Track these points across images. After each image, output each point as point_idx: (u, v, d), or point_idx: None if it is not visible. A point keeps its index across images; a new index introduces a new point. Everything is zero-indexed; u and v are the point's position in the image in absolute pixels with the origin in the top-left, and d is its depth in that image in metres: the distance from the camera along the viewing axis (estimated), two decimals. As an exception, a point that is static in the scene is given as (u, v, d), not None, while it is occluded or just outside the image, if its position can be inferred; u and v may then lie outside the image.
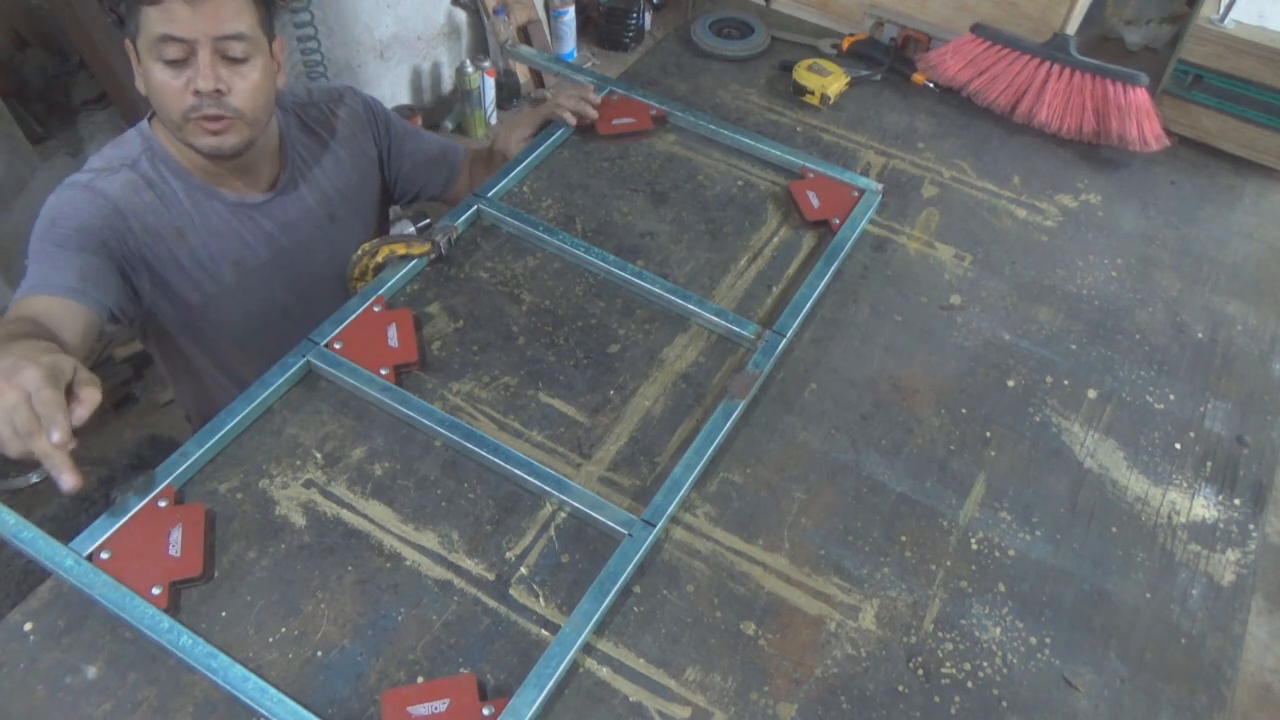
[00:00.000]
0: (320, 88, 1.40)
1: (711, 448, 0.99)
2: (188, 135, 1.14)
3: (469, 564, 0.91)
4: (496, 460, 0.96)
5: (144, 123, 1.22)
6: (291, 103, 1.34)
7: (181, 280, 1.23)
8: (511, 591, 0.89)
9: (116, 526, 0.88)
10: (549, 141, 1.36)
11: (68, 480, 0.80)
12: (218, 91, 1.10)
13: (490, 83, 3.27)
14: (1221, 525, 1.00)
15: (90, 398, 0.84)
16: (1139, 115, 1.40)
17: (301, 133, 1.34)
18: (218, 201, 1.23)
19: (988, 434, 1.06)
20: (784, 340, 1.10)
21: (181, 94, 1.10)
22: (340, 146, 1.37)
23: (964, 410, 1.08)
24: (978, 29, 1.48)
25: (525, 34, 3.42)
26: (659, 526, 0.92)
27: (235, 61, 1.11)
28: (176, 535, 0.88)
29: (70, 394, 0.84)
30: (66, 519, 2.03)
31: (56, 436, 0.79)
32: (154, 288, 1.22)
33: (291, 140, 1.31)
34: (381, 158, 1.45)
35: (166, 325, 1.29)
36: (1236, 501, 1.02)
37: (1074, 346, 1.17)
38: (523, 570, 0.91)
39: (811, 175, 1.33)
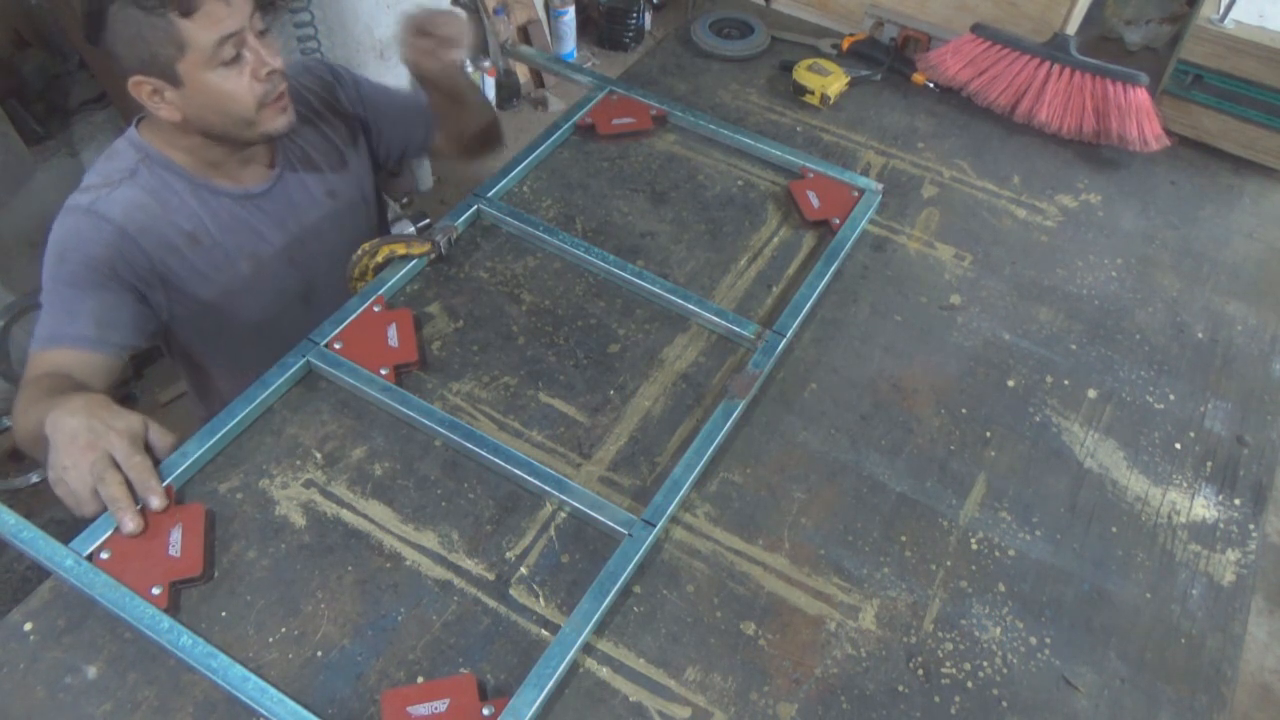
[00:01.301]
0: (290, 64, 1.34)
1: (711, 448, 0.99)
2: (262, 125, 1.14)
3: (469, 564, 0.91)
4: (496, 460, 0.96)
5: (131, 130, 1.20)
6: None
7: (198, 284, 1.22)
8: (511, 591, 0.89)
9: (116, 526, 0.88)
10: (549, 141, 1.36)
11: (130, 524, 0.88)
12: (280, 66, 1.12)
13: (490, 83, 3.26)
14: (1221, 525, 1.00)
15: (166, 443, 0.93)
16: (1139, 115, 1.40)
17: None
18: (223, 197, 1.23)
19: (988, 434, 1.06)
20: (784, 340, 1.10)
21: (250, 88, 1.10)
22: (322, 121, 1.35)
23: (964, 410, 1.08)
24: (978, 29, 1.48)
25: (525, 34, 3.42)
26: (659, 526, 0.92)
27: (264, 33, 1.12)
28: (176, 535, 0.88)
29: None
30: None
31: (156, 503, 0.88)
32: (170, 301, 1.21)
33: None
34: (363, 123, 1.42)
35: (188, 339, 1.29)
36: (1236, 501, 1.02)
37: (1074, 346, 1.17)
38: (523, 570, 0.91)
39: (811, 175, 1.33)
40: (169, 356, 1.39)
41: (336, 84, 1.39)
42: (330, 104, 1.37)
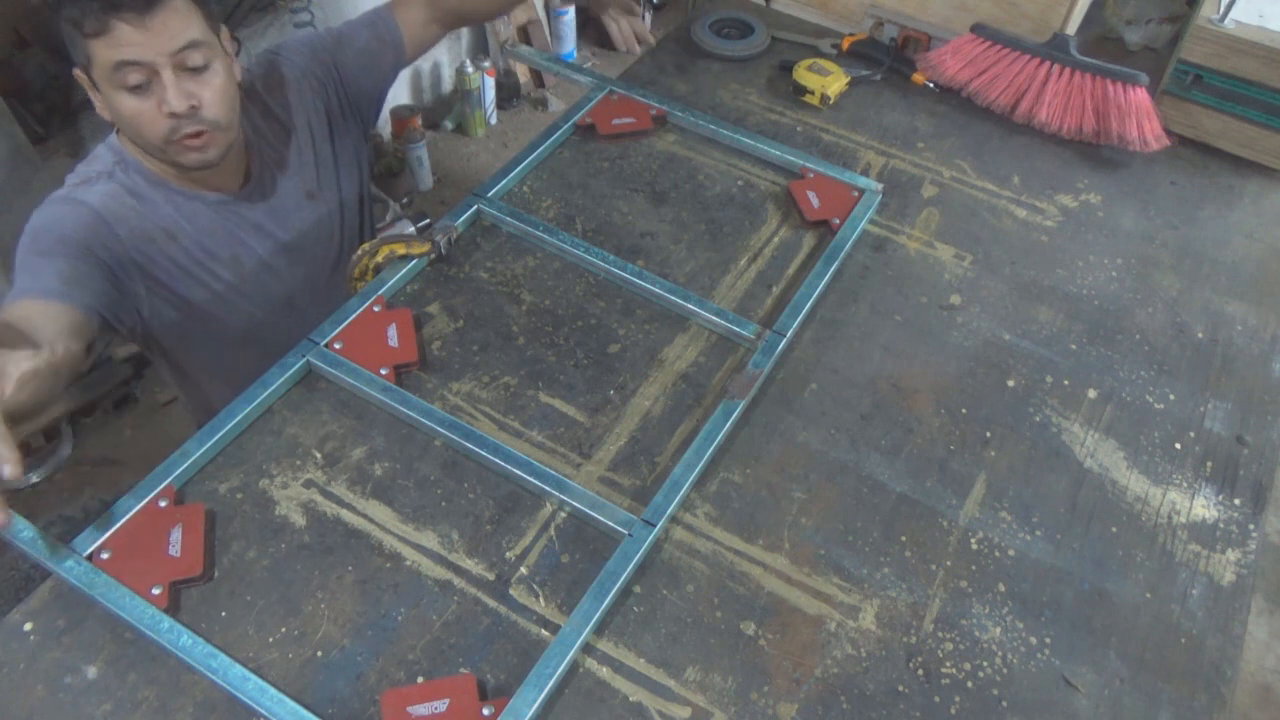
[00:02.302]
0: (255, 63, 1.31)
1: (711, 448, 0.99)
2: (172, 155, 1.11)
3: (469, 564, 0.91)
4: (496, 460, 0.96)
5: (112, 136, 1.19)
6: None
7: (180, 280, 1.21)
8: (511, 591, 0.89)
9: (117, 526, 0.88)
10: (549, 141, 1.36)
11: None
12: (191, 108, 1.07)
13: (490, 83, 3.26)
14: (1221, 525, 1.00)
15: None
16: (1139, 115, 1.40)
17: (260, 118, 1.28)
18: (199, 203, 1.21)
19: (988, 434, 1.06)
20: (784, 340, 1.10)
21: (156, 119, 1.06)
22: (293, 119, 1.31)
23: (964, 410, 1.08)
24: (978, 29, 1.48)
25: (525, 34, 3.42)
26: (659, 526, 0.92)
27: (197, 71, 1.07)
28: (176, 535, 0.88)
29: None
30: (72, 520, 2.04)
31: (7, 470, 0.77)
32: (150, 292, 1.20)
33: (252, 127, 1.27)
34: (337, 89, 1.35)
35: (174, 346, 1.27)
36: (1236, 501, 1.02)
37: (1074, 346, 1.17)
38: (523, 570, 0.91)
39: (811, 175, 1.33)
40: (159, 368, 1.38)
41: (304, 67, 1.31)
42: (301, 95, 1.31)
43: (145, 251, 1.17)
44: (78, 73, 1.08)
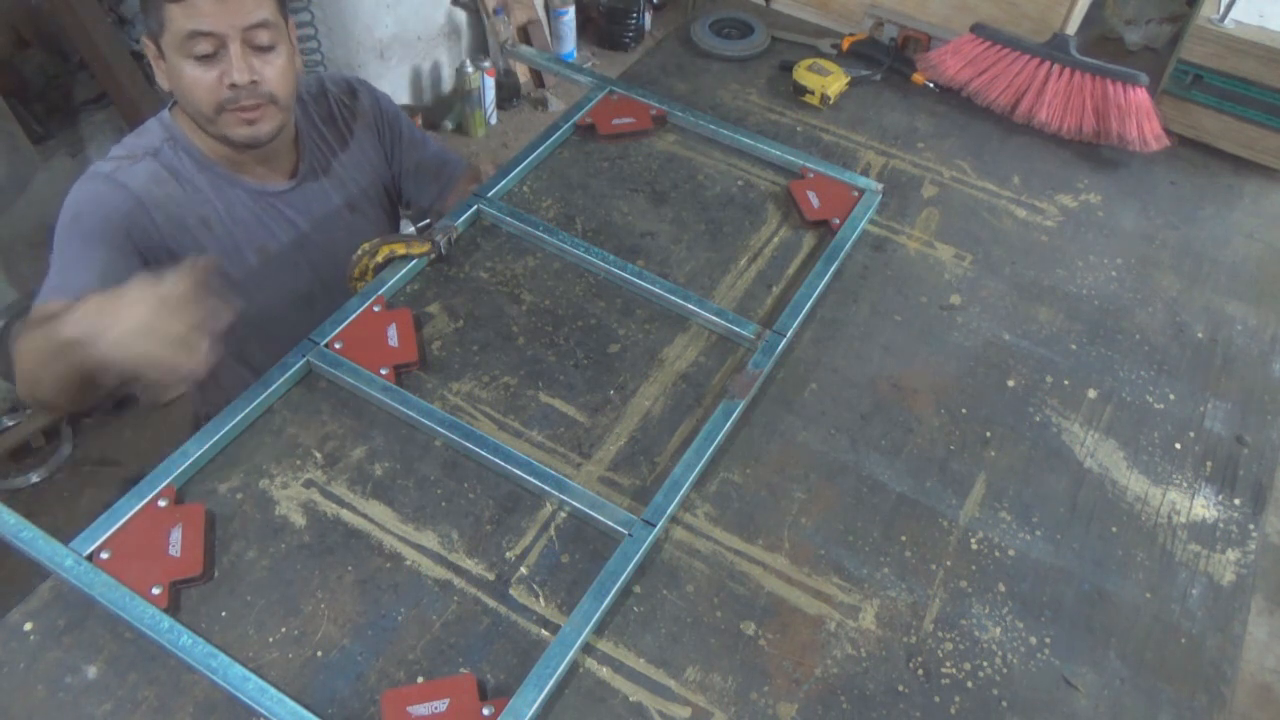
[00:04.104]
0: (333, 78, 1.40)
1: (711, 448, 0.99)
2: (222, 127, 1.15)
3: (469, 564, 0.91)
4: (496, 460, 0.96)
5: (164, 112, 1.24)
6: (304, 93, 1.34)
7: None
8: (511, 591, 0.89)
9: (116, 526, 0.88)
10: (549, 141, 1.36)
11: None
12: (253, 82, 1.12)
13: (490, 83, 3.27)
14: (1221, 525, 1.00)
15: None
16: (1139, 115, 1.40)
17: (319, 122, 1.35)
18: (240, 190, 1.25)
19: (988, 434, 1.06)
20: (784, 340, 1.10)
21: (215, 88, 1.11)
22: (355, 138, 1.38)
23: (964, 410, 1.08)
24: (978, 29, 1.48)
25: (525, 34, 3.42)
26: (659, 526, 0.92)
27: (263, 49, 1.12)
28: (176, 535, 0.88)
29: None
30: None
31: None
32: None
33: (307, 130, 1.32)
34: (386, 156, 1.46)
35: None
36: (1236, 501, 1.02)
37: (1074, 346, 1.17)
38: (523, 570, 0.91)
39: (811, 175, 1.33)
40: None
41: (375, 113, 1.41)
42: (367, 126, 1.40)
43: (178, 239, 1.21)
44: (145, 40, 1.14)
